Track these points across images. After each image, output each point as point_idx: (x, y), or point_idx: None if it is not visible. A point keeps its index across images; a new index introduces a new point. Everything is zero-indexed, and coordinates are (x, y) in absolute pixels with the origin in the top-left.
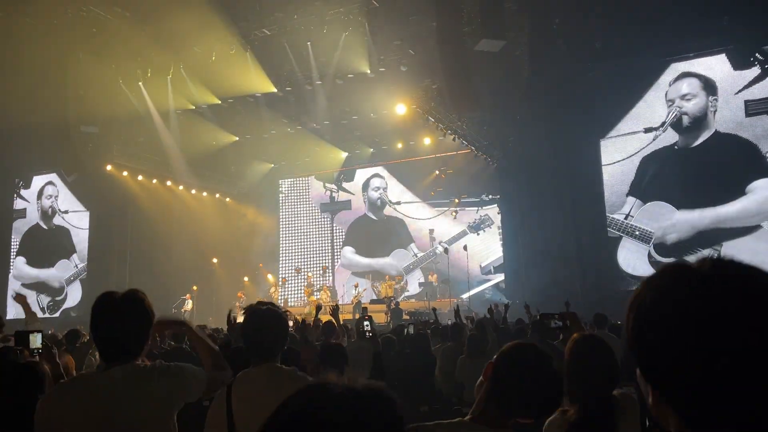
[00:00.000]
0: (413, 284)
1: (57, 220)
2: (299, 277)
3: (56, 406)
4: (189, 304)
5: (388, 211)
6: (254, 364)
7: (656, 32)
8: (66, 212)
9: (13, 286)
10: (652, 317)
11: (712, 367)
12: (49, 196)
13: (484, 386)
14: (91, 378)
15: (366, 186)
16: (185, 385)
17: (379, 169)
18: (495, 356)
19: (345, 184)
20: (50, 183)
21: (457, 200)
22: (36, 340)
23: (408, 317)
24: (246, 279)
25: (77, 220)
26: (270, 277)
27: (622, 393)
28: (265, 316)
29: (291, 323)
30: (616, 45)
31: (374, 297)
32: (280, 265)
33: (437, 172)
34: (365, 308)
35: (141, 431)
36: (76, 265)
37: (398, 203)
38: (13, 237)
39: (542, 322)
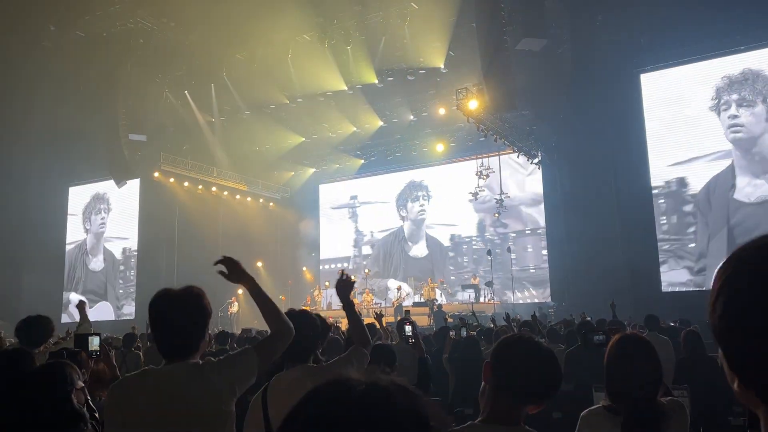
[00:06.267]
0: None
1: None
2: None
3: (123, 396)
4: (235, 307)
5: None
6: (288, 366)
7: (706, 25)
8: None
9: (68, 294)
10: (750, 301)
11: None
12: (99, 209)
13: (487, 385)
14: (156, 372)
15: (404, 198)
16: (240, 376)
17: (418, 174)
18: (490, 353)
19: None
20: (99, 193)
21: (497, 201)
22: (94, 343)
23: (451, 320)
24: (290, 282)
25: (126, 228)
26: (313, 280)
27: (671, 400)
28: (296, 320)
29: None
30: (662, 40)
31: (416, 300)
32: (322, 268)
33: (479, 173)
34: (407, 311)
35: (202, 422)
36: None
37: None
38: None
39: (585, 335)
